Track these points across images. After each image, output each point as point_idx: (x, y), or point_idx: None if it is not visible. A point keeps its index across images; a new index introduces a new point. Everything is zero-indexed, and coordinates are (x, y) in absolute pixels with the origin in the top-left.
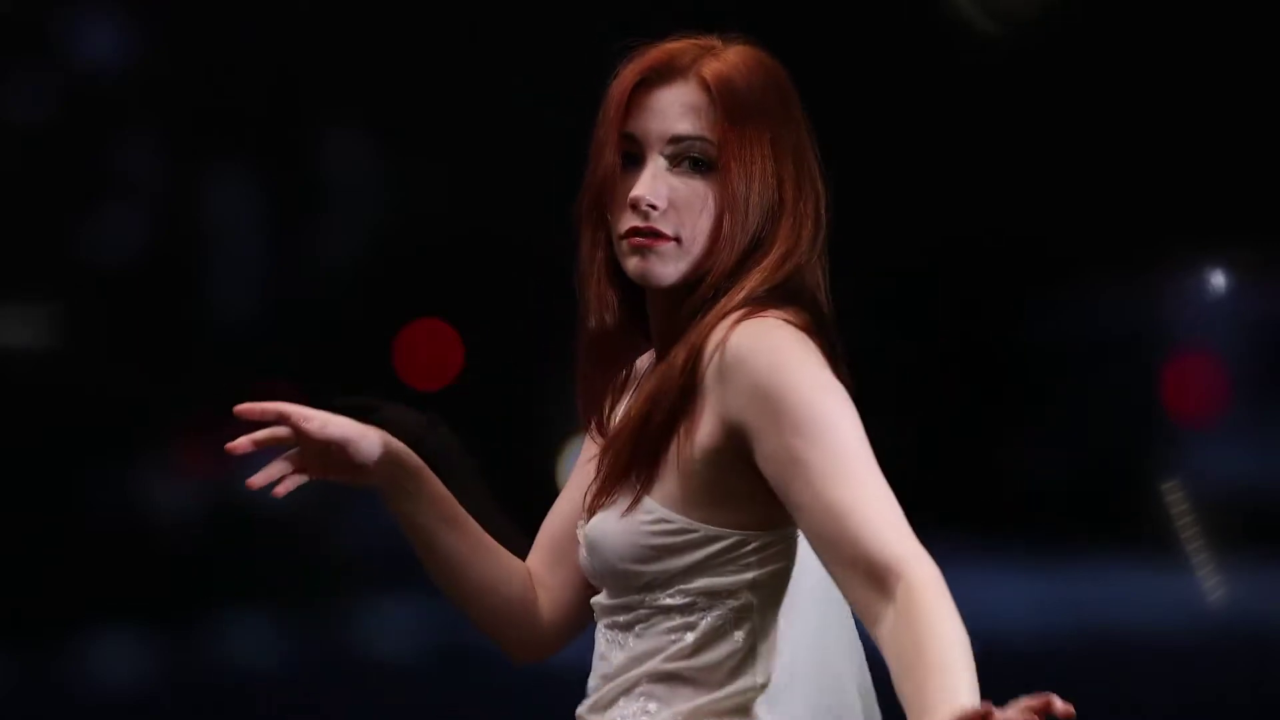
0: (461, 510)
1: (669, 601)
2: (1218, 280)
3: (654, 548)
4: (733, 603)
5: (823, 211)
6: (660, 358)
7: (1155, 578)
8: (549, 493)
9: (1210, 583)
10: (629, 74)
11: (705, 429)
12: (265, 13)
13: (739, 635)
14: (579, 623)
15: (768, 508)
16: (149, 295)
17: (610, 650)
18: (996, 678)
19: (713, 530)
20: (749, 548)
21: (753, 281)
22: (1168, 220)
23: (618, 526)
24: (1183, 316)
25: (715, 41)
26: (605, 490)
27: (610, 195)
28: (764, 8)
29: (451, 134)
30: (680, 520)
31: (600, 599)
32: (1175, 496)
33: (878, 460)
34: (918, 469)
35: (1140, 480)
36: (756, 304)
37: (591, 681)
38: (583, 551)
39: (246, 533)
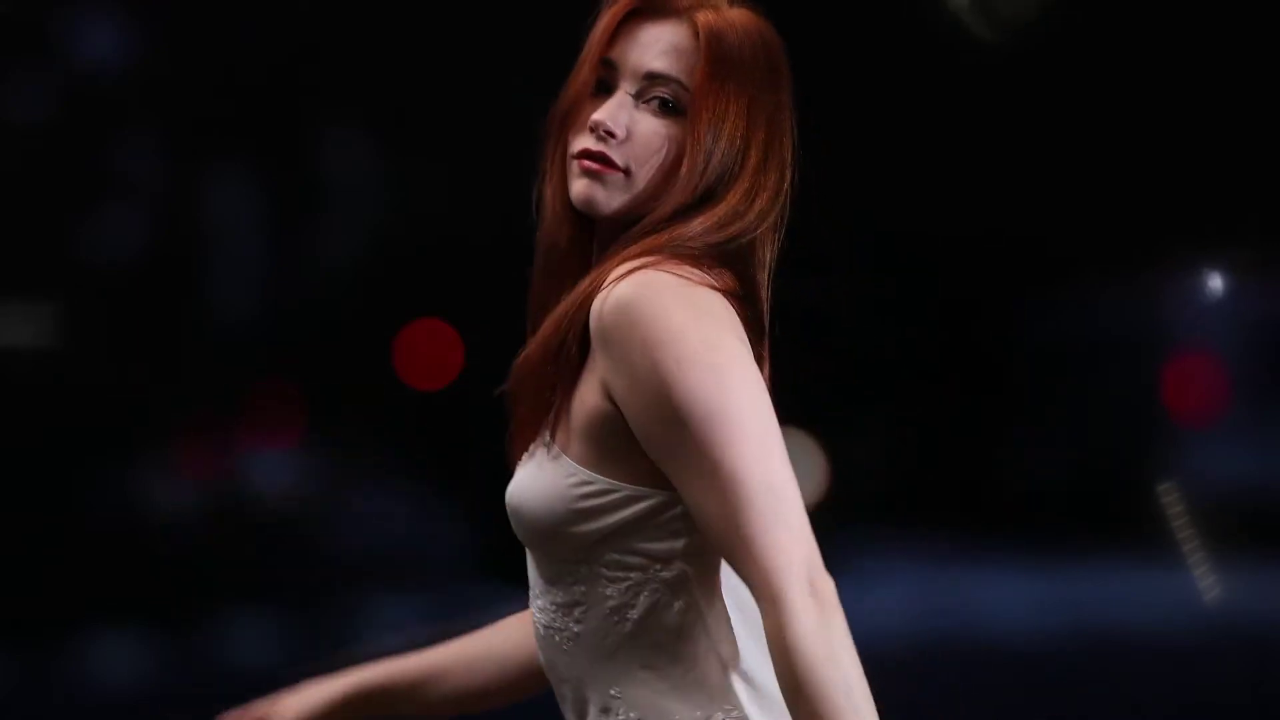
0: (431, 656)
1: (604, 572)
2: (1217, 280)
3: (577, 510)
4: (666, 573)
5: (784, 189)
6: None
7: (1155, 578)
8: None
9: (1209, 582)
10: (624, 1)
11: (591, 383)
12: (265, 13)
13: (678, 607)
14: None
15: None
16: (149, 295)
17: (554, 638)
18: (997, 677)
19: (634, 490)
20: (677, 510)
21: (689, 231)
22: (1168, 220)
23: (538, 486)
24: (1183, 316)
25: None
26: (521, 440)
27: (575, 115)
28: (766, 12)
29: (451, 134)
30: (601, 480)
31: (533, 574)
32: (1174, 496)
33: (877, 461)
34: (918, 469)
35: (1140, 480)
36: (680, 254)
37: (550, 676)
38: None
39: (246, 533)
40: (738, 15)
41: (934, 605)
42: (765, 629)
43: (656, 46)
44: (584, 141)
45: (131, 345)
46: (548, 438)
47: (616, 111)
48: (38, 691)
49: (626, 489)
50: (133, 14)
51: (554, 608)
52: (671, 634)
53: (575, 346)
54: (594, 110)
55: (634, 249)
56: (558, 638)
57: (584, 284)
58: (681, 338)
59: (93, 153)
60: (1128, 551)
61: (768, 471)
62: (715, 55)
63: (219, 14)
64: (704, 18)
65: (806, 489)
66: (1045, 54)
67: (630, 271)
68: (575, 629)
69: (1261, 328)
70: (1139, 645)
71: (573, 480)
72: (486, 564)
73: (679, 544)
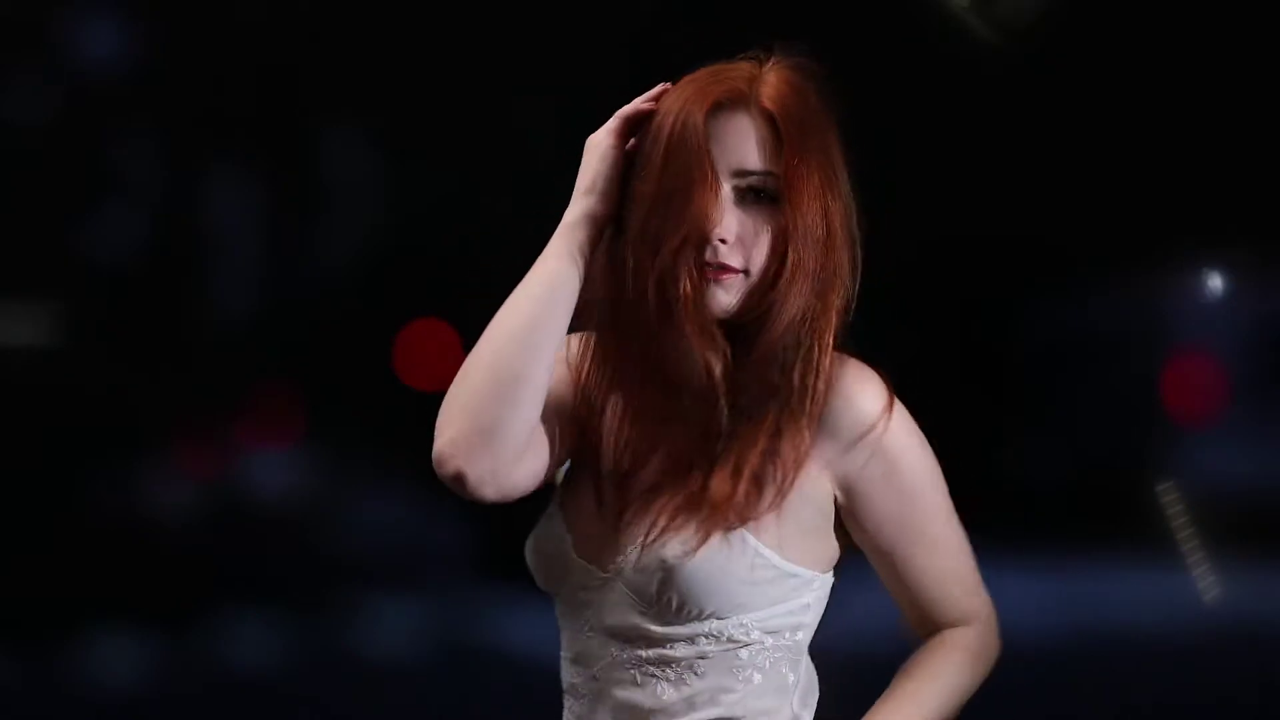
0: None
1: (737, 635)
2: (1217, 280)
3: (745, 581)
4: (787, 641)
5: (857, 237)
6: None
7: (1155, 577)
8: (549, 492)
9: (1208, 582)
10: (697, 105)
11: (814, 476)
12: (265, 13)
13: (792, 677)
14: (529, 486)
15: (830, 549)
16: (149, 295)
17: (652, 685)
18: (996, 677)
19: (791, 568)
20: (813, 586)
21: (834, 321)
22: (1168, 220)
23: (710, 557)
24: (1182, 316)
25: (757, 67)
26: (689, 521)
27: (671, 205)
28: (767, 14)
29: (451, 134)
30: (775, 560)
31: (635, 624)
32: (1174, 496)
33: None
34: None
35: (1140, 480)
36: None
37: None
38: (630, 573)
39: (246, 533)
40: (789, 82)
41: None
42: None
43: (741, 140)
44: (704, 253)
45: (131, 345)
46: (731, 518)
47: (727, 219)
48: (38, 691)
49: (786, 567)
50: (133, 14)
51: (663, 664)
52: (780, 699)
53: (799, 448)
54: (688, 200)
55: (814, 357)
56: (664, 689)
57: (796, 396)
58: (910, 425)
59: (93, 153)
60: (1127, 551)
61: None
62: (795, 135)
63: (219, 14)
64: (770, 99)
65: None
66: (1045, 54)
67: (839, 370)
68: (693, 681)
69: (1261, 328)
70: (1139, 645)
71: (747, 557)
72: (486, 564)
73: (806, 618)
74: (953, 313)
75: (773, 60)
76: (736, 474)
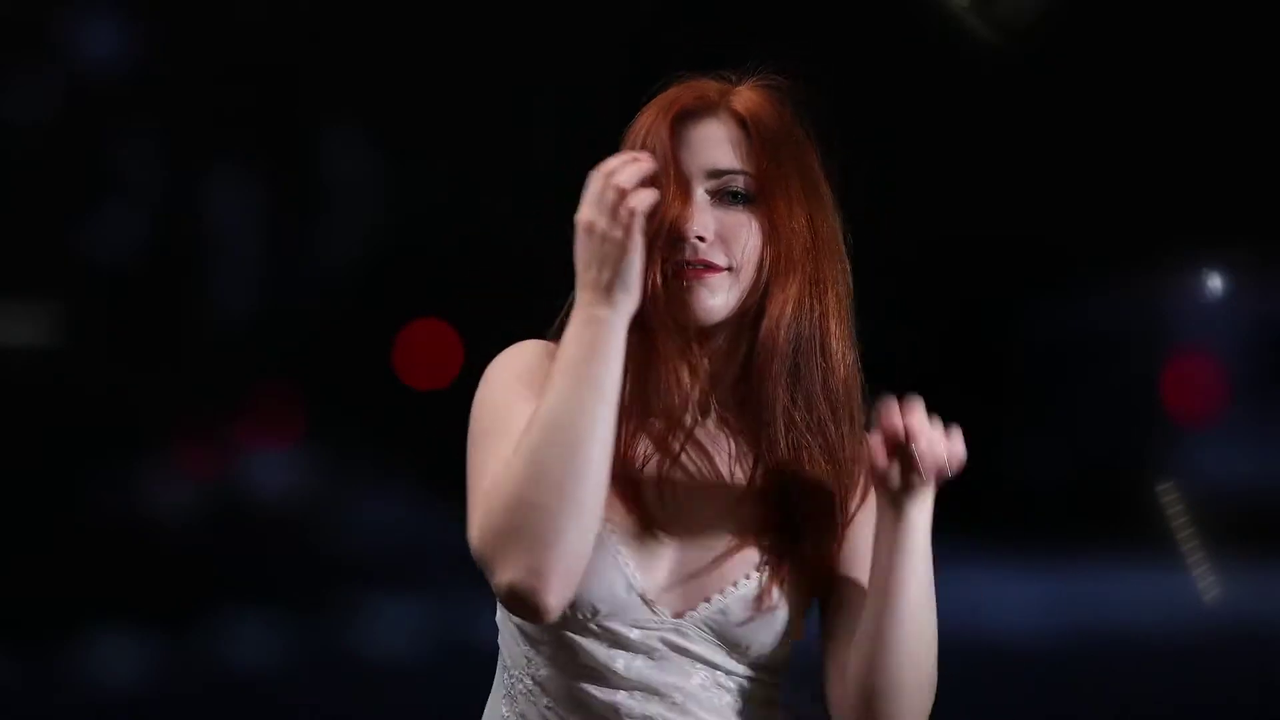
0: None
1: (768, 679)
2: (1217, 280)
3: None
4: (781, 681)
5: (845, 244)
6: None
7: (1155, 577)
8: None
9: (1208, 582)
10: (663, 115)
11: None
12: (265, 13)
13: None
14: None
15: None
16: (149, 295)
17: (716, 697)
18: (996, 677)
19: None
20: None
21: (835, 319)
22: (1168, 220)
23: (792, 619)
24: (1182, 316)
25: (729, 85)
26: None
27: (652, 219)
28: (767, 13)
29: (451, 134)
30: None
31: (710, 659)
32: (1174, 496)
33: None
34: None
35: (1140, 480)
36: None
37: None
38: (723, 624)
39: (246, 533)
40: (763, 96)
41: None
42: None
43: (712, 143)
44: (682, 252)
45: (131, 345)
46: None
47: (702, 217)
48: (38, 691)
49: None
50: (133, 14)
51: (721, 689)
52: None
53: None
54: (669, 212)
55: (853, 429)
56: (721, 699)
57: (862, 484)
58: None
59: (93, 153)
60: (1127, 551)
61: None
62: (768, 139)
63: (219, 14)
64: (741, 105)
65: None
66: (1045, 54)
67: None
68: (734, 703)
69: (1260, 328)
70: (1139, 645)
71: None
72: None
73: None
74: (953, 313)
75: (748, 80)
76: (834, 543)
